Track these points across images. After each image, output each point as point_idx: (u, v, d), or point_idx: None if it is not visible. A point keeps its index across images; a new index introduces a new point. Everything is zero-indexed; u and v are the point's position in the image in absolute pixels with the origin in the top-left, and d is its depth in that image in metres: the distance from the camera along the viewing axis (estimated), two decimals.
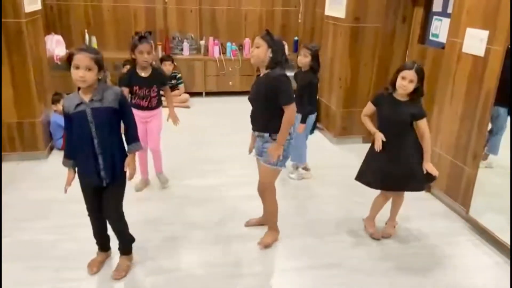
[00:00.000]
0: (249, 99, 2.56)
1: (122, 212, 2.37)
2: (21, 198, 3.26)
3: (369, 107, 2.73)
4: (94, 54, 2.08)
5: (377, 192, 2.82)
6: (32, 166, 3.80)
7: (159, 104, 3.28)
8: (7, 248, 2.64)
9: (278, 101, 2.39)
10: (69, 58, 2.07)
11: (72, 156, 2.24)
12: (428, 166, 2.59)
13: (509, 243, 2.67)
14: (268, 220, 2.81)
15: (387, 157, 2.61)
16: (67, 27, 6.01)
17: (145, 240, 2.71)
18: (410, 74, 2.47)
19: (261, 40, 2.39)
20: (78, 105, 2.12)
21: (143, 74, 3.12)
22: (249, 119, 2.59)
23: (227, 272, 2.53)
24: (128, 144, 2.29)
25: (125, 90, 3.07)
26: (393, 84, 2.56)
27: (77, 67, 2.04)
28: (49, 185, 3.45)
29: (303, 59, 3.37)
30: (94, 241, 2.50)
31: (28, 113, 3.77)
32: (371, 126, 2.71)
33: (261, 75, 2.49)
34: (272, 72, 2.41)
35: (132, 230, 2.49)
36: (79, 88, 2.14)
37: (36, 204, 3.17)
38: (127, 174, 2.28)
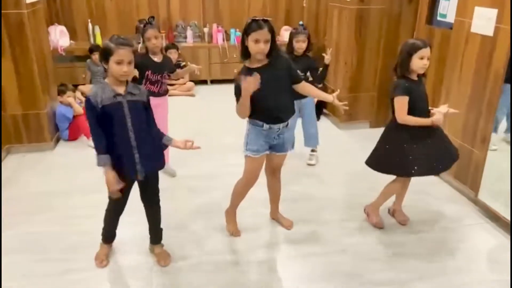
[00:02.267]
0: (269, 94, 2.30)
1: (159, 198, 2.42)
2: (27, 190, 3.28)
3: (406, 101, 2.43)
4: (132, 46, 2.05)
5: (385, 178, 2.74)
6: (38, 157, 3.82)
7: (167, 91, 3.33)
8: (14, 241, 2.66)
9: (296, 79, 2.43)
10: (105, 52, 2.02)
11: (108, 151, 2.10)
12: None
13: None
14: (277, 200, 2.83)
15: (430, 140, 2.50)
16: (70, 18, 5.99)
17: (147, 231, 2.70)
18: (428, 51, 2.40)
19: (268, 34, 2.23)
20: (113, 97, 2.06)
21: (156, 59, 3.16)
22: (275, 116, 2.39)
23: (232, 260, 2.52)
24: (162, 136, 2.28)
25: (135, 73, 3.07)
26: (407, 68, 2.44)
27: (120, 62, 2.00)
28: (55, 177, 3.47)
29: (304, 44, 3.33)
30: (97, 233, 2.49)
31: (33, 105, 3.78)
32: (423, 120, 2.45)
33: (262, 65, 2.31)
34: (277, 55, 2.35)
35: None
36: (104, 78, 2.12)
37: (42, 196, 3.18)
38: (194, 147, 2.28)
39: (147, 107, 2.19)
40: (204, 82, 6.19)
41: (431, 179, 3.43)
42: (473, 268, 2.48)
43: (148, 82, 3.16)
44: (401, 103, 2.45)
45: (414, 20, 4.18)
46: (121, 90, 2.08)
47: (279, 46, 2.38)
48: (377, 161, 2.66)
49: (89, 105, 2.05)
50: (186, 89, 5.75)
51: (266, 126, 2.40)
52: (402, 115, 2.46)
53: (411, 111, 2.46)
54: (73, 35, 5.96)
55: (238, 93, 2.28)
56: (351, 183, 3.40)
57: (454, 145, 2.63)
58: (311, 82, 3.52)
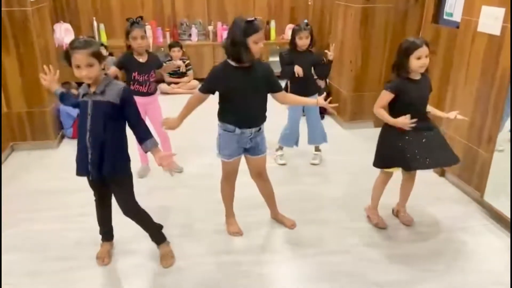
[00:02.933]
0: (243, 96, 2.30)
1: (136, 205, 2.32)
2: (31, 188, 3.29)
3: (388, 97, 2.47)
4: (90, 48, 1.98)
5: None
6: (43, 155, 3.83)
7: (156, 89, 3.34)
8: (16, 238, 2.67)
9: (275, 88, 2.41)
10: (66, 57, 2.01)
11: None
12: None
13: None
14: (273, 202, 2.81)
15: (422, 138, 2.49)
16: (75, 15, 6.00)
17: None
18: (425, 50, 2.37)
19: (263, 34, 2.25)
20: (84, 95, 2.11)
21: (140, 59, 3.14)
22: (248, 120, 2.38)
23: (234, 260, 2.51)
24: (143, 141, 2.14)
25: (113, 70, 3.12)
26: (404, 67, 2.43)
27: (78, 66, 1.99)
28: (59, 175, 3.47)
29: (306, 41, 3.32)
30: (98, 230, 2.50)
31: (37, 102, 3.78)
32: (388, 117, 2.49)
33: (245, 66, 2.26)
34: (258, 60, 2.33)
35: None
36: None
37: (45, 194, 3.19)
38: (169, 171, 2.14)
39: (122, 108, 2.09)
40: None
41: (436, 179, 3.41)
42: (478, 269, 2.45)
43: (136, 83, 3.16)
44: (381, 96, 2.51)
45: (420, 19, 4.15)
46: (92, 88, 2.08)
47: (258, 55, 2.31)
48: (379, 159, 2.67)
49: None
50: (190, 87, 5.74)
51: (238, 130, 2.38)
52: (375, 107, 2.53)
53: (405, 110, 2.45)
54: (78, 33, 5.95)
55: (210, 84, 2.36)
56: (354, 183, 3.38)
57: (454, 152, 2.60)
58: (316, 78, 3.53)
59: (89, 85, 2.10)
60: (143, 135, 2.15)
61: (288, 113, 3.59)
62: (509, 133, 2.80)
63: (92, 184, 2.30)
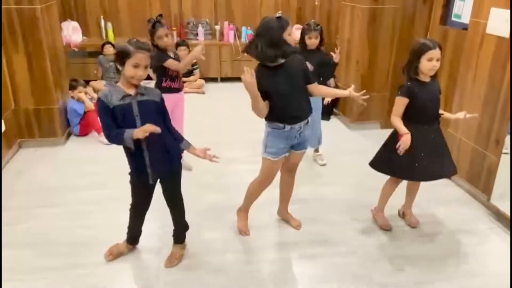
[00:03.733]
0: (285, 93, 2.30)
1: (181, 195, 2.39)
2: (38, 184, 3.31)
3: (403, 103, 2.42)
4: (150, 51, 2.05)
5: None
6: (49, 152, 3.85)
7: (183, 84, 3.41)
8: (22, 234, 2.69)
9: (309, 80, 2.41)
10: (122, 54, 1.99)
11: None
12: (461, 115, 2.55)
13: None
14: (288, 198, 2.81)
15: (430, 145, 2.48)
16: (83, 14, 6.03)
17: (161, 226, 2.71)
18: (437, 53, 2.35)
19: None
20: (122, 98, 2.03)
21: (172, 55, 3.21)
22: (295, 115, 2.37)
23: (240, 259, 2.52)
24: (180, 142, 2.25)
25: (170, 61, 3.12)
26: (414, 69, 2.42)
27: (137, 66, 1.99)
28: (65, 172, 3.50)
29: (316, 41, 3.32)
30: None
31: (45, 100, 3.81)
32: (403, 127, 2.43)
33: (277, 64, 2.28)
34: (292, 55, 2.34)
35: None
36: (116, 81, 2.11)
37: (51, 191, 3.21)
38: (213, 160, 2.25)
39: (161, 108, 2.15)
40: (214, 79, 6.18)
41: (442, 181, 3.38)
42: (484, 272, 2.44)
43: (168, 79, 3.20)
44: (397, 103, 2.46)
45: (428, 20, 4.13)
46: (131, 91, 2.06)
47: (294, 44, 2.38)
48: (379, 162, 2.66)
49: (101, 104, 2.02)
50: (196, 86, 5.75)
51: (287, 127, 2.38)
52: (393, 115, 2.48)
53: (417, 113, 2.43)
54: (85, 31, 6.00)
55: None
56: (360, 184, 3.37)
57: (453, 162, 2.62)
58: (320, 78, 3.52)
59: (120, 88, 2.05)
60: (180, 135, 2.27)
61: None
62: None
63: (146, 186, 2.24)
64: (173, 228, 2.47)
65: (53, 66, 3.78)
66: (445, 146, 2.59)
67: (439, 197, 3.17)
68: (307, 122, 2.46)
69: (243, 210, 2.76)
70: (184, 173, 3.47)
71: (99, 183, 3.25)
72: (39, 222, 2.82)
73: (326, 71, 3.49)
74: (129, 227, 2.46)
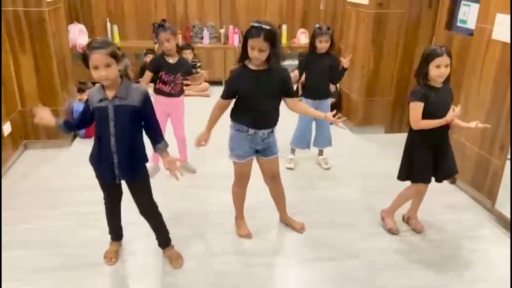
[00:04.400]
0: (259, 99, 2.33)
1: (155, 206, 2.36)
2: (43, 185, 3.33)
3: (421, 107, 2.40)
4: (108, 47, 1.95)
5: (400, 184, 2.71)
6: (55, 153, 3.88)
7: (181, 92, 3.37)
8: (27, 234, 2.71)
9: (287, 93, 2.42)
10: (84, 58, 1.96)
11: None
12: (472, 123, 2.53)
13: None
14: (283, 205, 2.81)
15: (439, 147, 2.51)
16: (89, 16, 6.08)
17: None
18: (445, 59, 2.35)
19: (264, 43, 2.18)
20: (100, 100, 2.05)
21: (170, 60, 3.22)
22: (262, 121, 2.40)
23: (242, 262, 2.52)
24: (156, 144, 2.19)
25: (148, 75, 3.22)
26: (425, 74, 2.41)
27: (96, 67, 1.94)
28: (70, 173, 3.51)
29: (327, 45, 3.33)
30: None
31: (51, 101, 3.82)
32: (436, 121, 2.40)
33: (259, 69, 2.29)
34: (276, 65, 2.33)
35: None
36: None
37: (57, 191, 3.22)
38: (175, 175, 2.15)
39: (140, 112, 2.09)
40: (219, 83, 6.20)
41: (447, 187, 3.38)
42: (487, 278, 2.43)
43: (161, 82, 3.24)
44: (415, 109, 2.44)
45: (433, 25, 4.14)
46: (110, 93, 2.04)
47: (282, 54, 2.31)
48: (405, 172, 2.63)
49: (86, 100, 2.14)
50: (201, 89, 5.77)
51: (251, 131, 2.41)
52: (416, 121, 2.46)
53: (427, 118, 2.43)
54: (91, 34, 6.04)
55: (230, 86, 2.36)
56: (364, 188, 3.37)
57: (455, 162, 2.65)
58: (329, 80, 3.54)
59: (103, 89, 2.05)
60: (157, 138, 2.19)
61: (299, 114, 3.60)
62: None
63: (110, 186, 2.27)
64: (155, 237, 2.47)
65: (59, 68, 3.81)
66: (451, 150, 2.61)
67: (443, 202, 3.16)
68: (271, 131, 2.48)
69: (238, 217, 2.78)
70: (187, 175, 3.52)
71: None
72: (43, 222, 2.84)
73: (334, 75, 3.49)
74: (108, 224, 2.48)
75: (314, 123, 3.64)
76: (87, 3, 6.02)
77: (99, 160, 2.18)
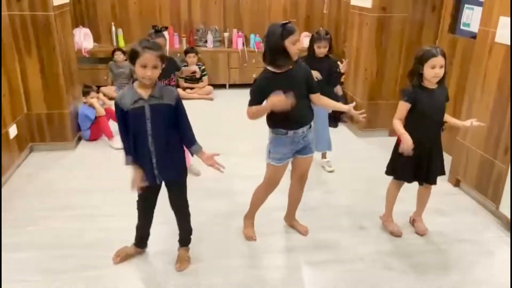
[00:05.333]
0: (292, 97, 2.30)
1: (188, 205, 2.41)
2: (48, 187, 3.35)
3: (406, 108, 2.46)
4: (159, 50, 2.03)
5: (402, 187, 2.73)
6: (61, 156, 3.90)
7: None
8: (33, 236, 2.72)
9: (312, 90, 2.44)
10: (132, 54, 2.02)
11: (131, 153, 2.19)
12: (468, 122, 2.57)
13: None
14: (296, 207, 2.82)
15: (429, 149, 2.54)
16: (95, 20, 6.12)
17: (169, 230, 2.72)
18: (440, 60, 2.36)
19: (298, 36, 2.29)
20: (136, 101, 2.07)
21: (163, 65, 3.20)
22: (298, 121, 2.41)
23: (247, 264, 2.53)
24: (191, 145, 2.23)
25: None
26: (418, 75, 2.43)
27: (145, 66, 1.99)
28: (76, 175, 3.54)
29: (325, 50, 3.34)
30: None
31: (56, 104, 3.86)
32: (400, 128, 2.48)
33: (285, 71, 2.33)
34: (299, 62, 2.40)
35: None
36: (133, 81, 2.12)
37: (62, 194, 3.25)
38: (218, 168, 2.25)
39: (175, 111, 2.15)
40: (223, 86, 6.23)
41: (450, 189, 3.39)
42: (491, 280, 2.43)
43: None
44: (399, 108, 2.51)
45: (437, 29, 4.15)
46: (145, 93, 2.08)
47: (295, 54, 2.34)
48: (389, 167, 2.71)
49: (117, 107, 2.12)
50: (205, 92, 5.80)
51: (290, 132, 2.41)
52: (394, 118, 2.52)
53: (420, 120, 2.46)
54: (96, 38, 6.09)
55: (257, 96, 2.32)
56: (368, 191, 3.37)
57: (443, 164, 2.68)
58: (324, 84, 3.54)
59: (133, 89, 2.08)
60: (192, 139, 2.25)
61: None
62: None
63: (151, 189, 2.27)
64: (178, 232, 2.49)
65: (65, 72, 3.84)
66: (440, 153, 2.64)
67: (447, 205, 3.16)
68: (310, 126, 2.49)
69: (249, 217, 2.78)
70: (192, 178, 3.53)
71: (109, 187, 3.28)
72: (49, 224, 2.86)
73: (333, 79, 3.50)
74: (136, 228, 2.49)
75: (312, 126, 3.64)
76: (93, 8, 6.07)
77: (138, 162, 2.19)
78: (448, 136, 3.28)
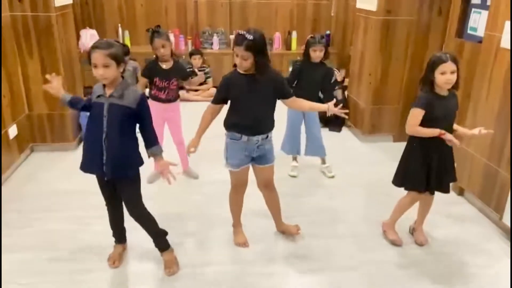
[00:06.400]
0: (249, 104, 2.31)
1: (141, 207, 2.33)
2: (47, 188, 3.34)
3: (421, 114, 2.36)
4: (108, 49, 2.02)
5: (404, 193, 2.65)
6: (61, 156, 3.90)
7: (177, 97, 3.35)
8: (28, 238, 2.71)
9: (284, 95, 2.41)
10: (89, 57, 2.06)
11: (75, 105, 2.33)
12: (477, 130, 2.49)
13: None
14: (279, 213, 2.76)
15: (439, 156, 2.46)
16: (102, 22, 6.15)
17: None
18: (450, 66, 2.29)
19: (245, 52, 2.19)
20: (98, 96, 2.13)
21: (164, 66, 3.20)
22: (253, 127, 2.37)
23: (238, 271, 2.48)
24: (149, 147, 2.21)
25: (143, 80, 3.26)
26: (430, 82, 2.37)
27: (95, 66, 2.03)
28: (75, 177, 3.46)
29: (320, 54, 3.29)
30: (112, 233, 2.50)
31: (57, 105, 3.85)
32: (429, 130, 2.37)
33: (248, 73, 2.28)
34: (270, 68, 2.36)
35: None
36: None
37: (60, 195, 3.24)
38: (167, 178, 2.20)
39: (135, 114, 2.13)
40: None
41: (454, 198, 3.29)
42: None
43: (155, 88, 3.23)
44: (414, 114, 2.40)
45: (443, 33, 4.06)
46: (108, 91, 2.11)
47: (266, 64, 2.28)
48: (399, 178, 2.60)
49: (90, 96, 2.22)
50: (208, 95, 5.76)
51: (244, 137, 2.37)
52: (411, 126, 2.41)
53: (429, 126, 2.37)
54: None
55: (220, 93, 2.36)
56: (368, 197, 3.30)
57: (455, 171, 2.61)
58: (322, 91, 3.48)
59: (104, 87, 2.13)
60: (151, 141, 2.22)
61: (287, 117, 3.55)
62: None
63: (103, 184, 2.31)
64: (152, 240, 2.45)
65: (66, 73, 3.85)
66: (452, 158, 2.55)
67: (450, 214, 3.07)
68: (267, 137, 2.44)
69: (235, 224, 2.74)
70: (190, 181, 3.50)
71: None
72: (43, 226, 2.84)
73: (325, 86, 3.45)
74: (110, 226, 2.49)
75: (304, 130, 3.59)
76: (100, 9, 6.10)
77: (87, 153, 2.22)
78: None
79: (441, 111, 2.38)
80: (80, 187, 3.32)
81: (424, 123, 2.38)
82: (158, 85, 3.19)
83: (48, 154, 3.94)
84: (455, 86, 2.38)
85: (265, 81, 2.31)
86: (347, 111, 2.52)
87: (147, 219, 2.37)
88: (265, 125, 2.43)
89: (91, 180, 3.17)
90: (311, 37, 3.33)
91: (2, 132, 3.37)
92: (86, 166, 2.25)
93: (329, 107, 2.47)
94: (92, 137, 2.16)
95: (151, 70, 3.21)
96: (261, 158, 2.48)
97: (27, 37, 3.60)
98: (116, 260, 2.47)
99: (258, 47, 2.20)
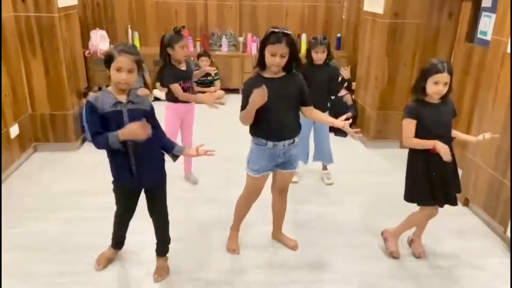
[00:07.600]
0: (275, 109, 2.22)
1: (167, 214, 2.35)
2: (46, 188, 3.35)
3: (413, 124, 2.28)
4: (136, 55, 1.99)
5: (407, 205, 2.50)
6: (64, 157, 3.92)
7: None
8: (19, 238, 2.71)
9: (305, 102, 2.34)
10: (106, 58, 1.98)
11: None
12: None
13: None
14: (281, 221, 2.70)
15: (440, 166, 2.32)
16: (112, 23, 6.19)
17: (151, 238, 2.65)
18: (444, 77, 2.18)
19: (286, 48, 2.13)
20: (114, 104, 2.01)
21: (182, 68, 3.18)
22: (280, 132, 2.29)
23: (227, 279, 2.42)
24: (172, 149, 2.22)
25: (175, 87, 3.11)
26: (422, 90, 2.27)
27: (119, 69, 1.96)
28: (75, 177, 3.54)
29: (322, 55, 3.20)
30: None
31: (60, 105, 3.89)
32: (424, 142, 2.27)
33: (276, 77, 2.23)
34: (294, 72, 2.28)
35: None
36: (107, 86, 2.09)
37: (58, 195, 3.24)
38: (209, 154, 2.25)
39: (149, 116, 2.12)
40: (236, 91, 6.16)
41: (458, 209, 3.14)
42: None
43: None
44: (406, 126, 2.30)
45: (453, 37, 3.93)
46: (122, 98, 2.04)
47: (300, 60, 2.30)
48: (411, 194, 2.46)
49: (90, 107, 1.98)
50: (216, 97, 5.72)
51: (270, 144, 2.30)
52: (406, 138, 2.32)
53: (424, 137, 2.27)
54: (113, 40, 6.14)
55: (246, 99, 2.20)
56: (369, 207, 3.20)
57: (459, 181, 2.48)
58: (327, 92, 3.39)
59: (110, 93, 2.02)
60: (170, 143, 2.25)
61: None
62: None
63: (132, 195, 2.25)
64: (156, 241, 2.41)
65: (69, 73, 3.87)
66: (454, 169, 2.42)
67: (454, 226, 2.94)
68: (293, 142, 2.35)
69: (234, 228, 2.68)
70: (188, 186, 3.46)
71: (106, 190, 3.24)
72: (39, 225, 2.84)
73: (333, 87, 3.36)
74: (113, 234, 2.44)
75: (312, 136, 3.51)
76: (110, 10, 6.14)
77: (117, 167, 2.14)
78: (459, 152, 3.06)
79: (431, 119, 2.28)
80: (80, 188, 3.35)
81: (416, 132, 2.28)
82: (184, 87, 3.15)
83: (50, 154, 3.96)
84: (443, 97, 2.27)
85: (290, 84, 2.26)
86: (358, 130, 2.42)
87: (166, 223, 2.37)
88: (291, 130, 2.34)
89: (90, 181, 3.18)
90: (313, 38, 3.24)
91: (3, 131, 3.39)
92: (119, 179, 2.19)
93: (345, 127, 2.33)
94: (117, 151, 2.05)
95: (176, 75, 3.12)
96: (285, 164, 2.42)
97: (30, 37, 3.63)
98: (103, 263, 2.45)
99: (294, 42, 2.18)
